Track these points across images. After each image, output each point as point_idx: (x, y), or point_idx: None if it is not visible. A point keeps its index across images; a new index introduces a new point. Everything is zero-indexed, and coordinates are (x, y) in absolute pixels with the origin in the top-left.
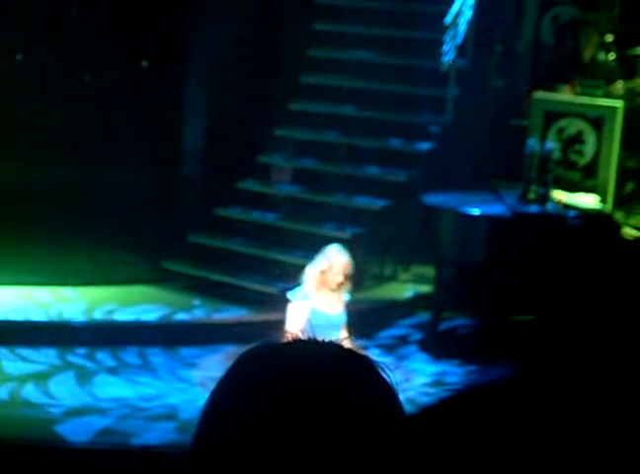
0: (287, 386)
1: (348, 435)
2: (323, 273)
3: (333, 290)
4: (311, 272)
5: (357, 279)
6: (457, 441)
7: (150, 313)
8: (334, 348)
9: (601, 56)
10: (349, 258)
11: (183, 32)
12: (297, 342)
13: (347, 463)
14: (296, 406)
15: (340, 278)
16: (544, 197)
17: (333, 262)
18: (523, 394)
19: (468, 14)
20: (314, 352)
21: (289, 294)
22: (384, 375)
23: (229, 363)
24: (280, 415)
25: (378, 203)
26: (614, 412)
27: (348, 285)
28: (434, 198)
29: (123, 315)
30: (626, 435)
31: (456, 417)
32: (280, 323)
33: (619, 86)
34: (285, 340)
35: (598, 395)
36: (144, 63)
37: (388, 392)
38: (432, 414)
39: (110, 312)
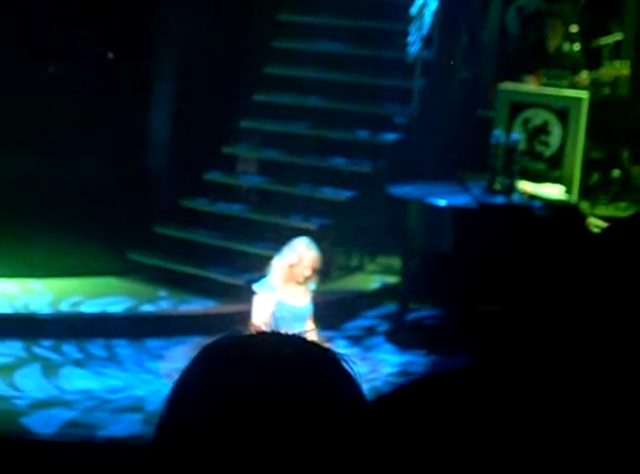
0: (250, 378)
1: (310, 427)
2: (292, 266)
3: (300, 284)
4: (279, 264)
5: (323, 271)
6: (415, 428)
7: (116, 305)
8: (297, 340)
9: (566, 47)
10: (317, 252)
11: (148, 23)
12: (261, 334)
13: (308, 454)
14: (259, 398)
15: (308, 273)
16: (510, 188)
17: (302, 256)
18: (482, 382)
19: (434, 5)
20: (278, 344)
21: (255, 286)
22: (347, 367)
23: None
24: (243, 406)
25: (345, 194)
26: (576, 400)
27: (315, 278)
28: (400, 189)
29: (90, 307)
30: (587, 422)
31: (413, 404)
32: (247, 314)
33: (584, 76)
34: (250, 332)
35: (560, 384)
36: (110, 54)
37: (351, 384)
38: (388, 401)
39: (76, 304)
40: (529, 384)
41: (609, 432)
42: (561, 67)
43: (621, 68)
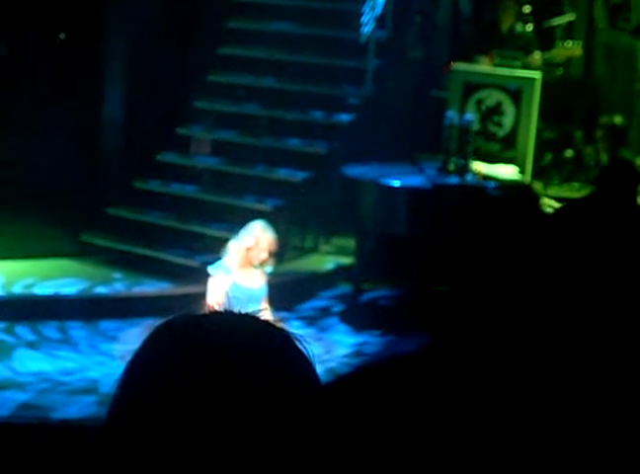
0: (203, 358)
1: (263, 407)
2: (248, 249)
3: (256, 266)
4: (235, 247)
5: (278, 252)
6: (372, 412)
7: (70, 287)
8: (251, 320)
9: (519, 27)
10: (273, 235)
11: (101, 4)
12: (214, 313)
13: (262, 435)
14: (212, 378)
15: (264, 256)
16: (464, 169)
17: (259, 239)
18: (438, 364)
19: None
20: (231, 323)
21: (211, 268)
22: (301, 347)
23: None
24: (195, 387)
25: (299, 175)
26: (532, 381)
27: (271, 261)
28: (354, 170)
29: (43, 289)
30: (544, 403)
31: (370, 387)
32: (201, 296)
33: (537, 57)
34: (204, 312)
35: (515, 365)
36: (62, 35)
37: (306, 364)
38: (345, 384)
39: (29, 286)
40: (484, 365)
41: (563, 414)
42: (514, 48)
43: (573, 49)
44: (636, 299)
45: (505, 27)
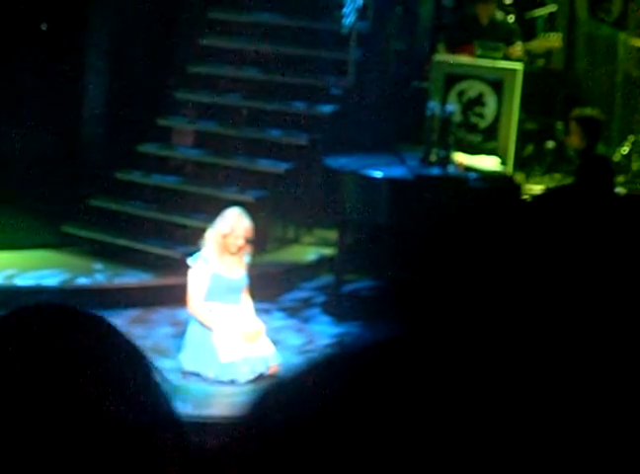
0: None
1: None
2: (224, 236)
3: (233, 254)
4: (212, 236)
5: (260, 243)
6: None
7: (51, 278)
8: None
9: (499, 17)
10: (249, 221)
11: None
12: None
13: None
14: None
15: (241, 242)
16: (445, 160)
17: (234, 226)
18: (412, 353)
19: None
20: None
21: (190, 260)
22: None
23: (132, 328)
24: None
25: (281, 166)
26: (512, 372)
27: (248, 249)
28: (336, 161)
29: (24, 280)
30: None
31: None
32: (182, 287)
33: (518, 48)
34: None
35: (492, 356)
36: (43, 26)
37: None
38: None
39: (10, 277)
40: (459, 355)
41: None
42: (495, 38)
43: (554, 40)
44: (618, 289)
45: (484, 19)
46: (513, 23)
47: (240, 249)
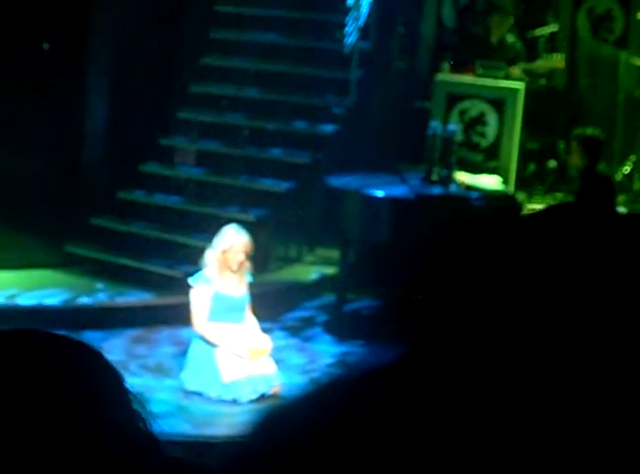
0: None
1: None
2: (224, 252)
3: (234, 271)
4: (212, 255)
5: (262, 262)
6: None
7: (53, 297)
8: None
9: (509, 39)
10: (247, 236)
11: (84, 13)
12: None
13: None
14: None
15: (241, 257)
16: (447, 179)
17: (232, 241)
18: (418, 374)
19: None
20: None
21: (191, 280)
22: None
23: (134, 347)
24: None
25: (283, 186)
26: (515, 388)
27: (248, 265)
28: (338, 180)
29: (26, 299)
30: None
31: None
32: (185, 306)
33: (517, 69)
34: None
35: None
36: (45, 45)
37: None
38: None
39: (12, 296)
40: (465, 374)
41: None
42: (504, 59)
43: (557, 61)
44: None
45: (495, 38)
46: (520, 44)
47: (241, 264)
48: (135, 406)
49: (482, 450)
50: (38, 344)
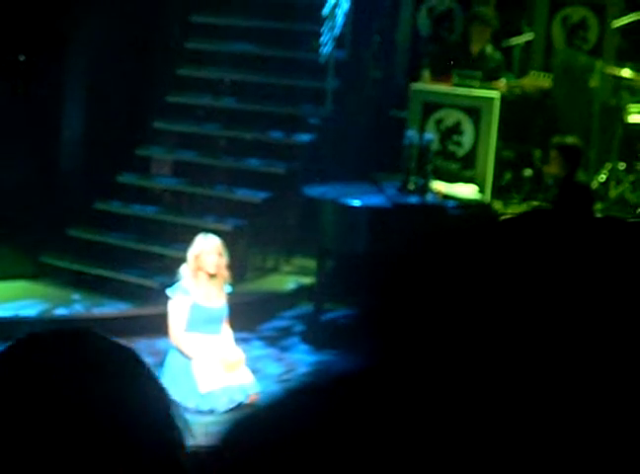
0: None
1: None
2: (197, 257)
3: (213, 275)
4: (187, 267)
5: (238, 272)
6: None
7: (29, 308)
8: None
9: (489, 50)
10: (218, 239)
11: (61, 24)
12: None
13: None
14: (50, 404)
15: (215, 258)
16: (424, 188)
17: (202, 244)
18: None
19: (345, 5)
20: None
21: (169, 291)
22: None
23: None
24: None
25: (259, 196)
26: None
27: (227, 274)
28: (314, 190)
29: (2, 311)
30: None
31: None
32: (162, 317)
33: (502, 84)
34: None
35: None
36: (21, 57)
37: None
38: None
39: None
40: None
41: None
42: (483, 70)
43: (544, 80)
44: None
45: (475, 48)
46: (499, 55)
47: (219, 268)
48: (177, 427)
49: (447, 456)
50: (96, 345)
